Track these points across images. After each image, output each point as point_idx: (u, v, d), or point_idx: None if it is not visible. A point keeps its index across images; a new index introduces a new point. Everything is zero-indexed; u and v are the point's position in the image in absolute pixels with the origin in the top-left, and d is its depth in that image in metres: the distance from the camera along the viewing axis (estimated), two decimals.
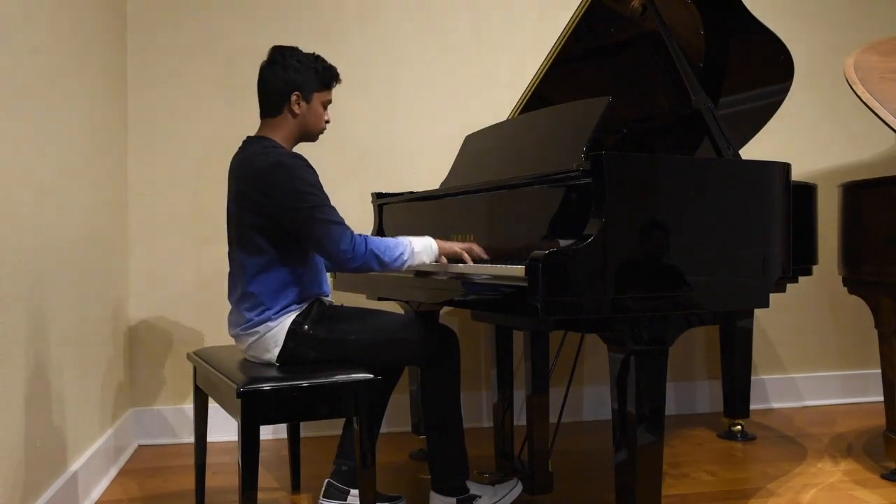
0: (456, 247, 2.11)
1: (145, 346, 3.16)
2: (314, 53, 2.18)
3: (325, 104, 2.20)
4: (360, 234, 2.01)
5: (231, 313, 2.15)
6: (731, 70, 2.59)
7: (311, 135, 2.21)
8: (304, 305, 2.09)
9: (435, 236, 2.15)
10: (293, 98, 2.13)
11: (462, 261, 2.08)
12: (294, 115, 2.15)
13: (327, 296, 2.20)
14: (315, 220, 1.97)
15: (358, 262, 2.00)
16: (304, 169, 2.01)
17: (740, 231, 1.89)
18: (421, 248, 2.08)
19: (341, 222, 2.00)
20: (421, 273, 2.19)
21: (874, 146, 3.81)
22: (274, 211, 2.00)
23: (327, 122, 2.22)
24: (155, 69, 3.17)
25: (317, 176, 2.03)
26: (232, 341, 2.17)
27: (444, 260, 2.12)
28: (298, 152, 2.10)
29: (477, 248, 2.11)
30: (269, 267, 2.05)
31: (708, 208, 1.85)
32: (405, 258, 2.05)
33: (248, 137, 2.18)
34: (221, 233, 3.17)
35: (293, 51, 2.16)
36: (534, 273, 1.64)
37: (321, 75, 2.16)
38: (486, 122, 2.77)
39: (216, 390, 2.10)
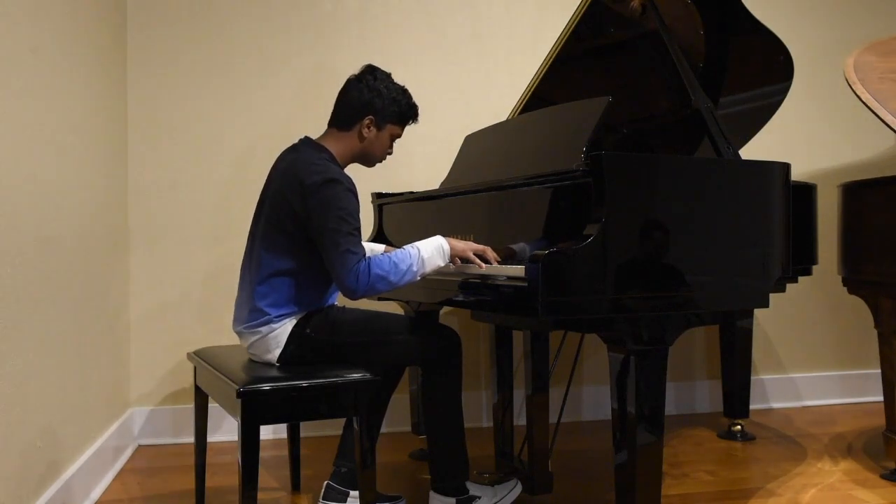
0: (469, 252, 1.99)
1: (145, 346, 3.16)
2: (403, 87, 2.18)
3: (394, 138, 2.21)
4: (365, 262, 1.95)
5: (238, 308, 2.15)
6: (731, 70, 2.60)
7: (368, 160, 2.22)
8: (309, 311, 2.09)
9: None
10: (366, 121, 2.13)
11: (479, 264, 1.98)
12: (362, 137, 2.15)
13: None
14: (336, 244, 1.95)
15: (361, 293, 1.95)
16: (349, 194, 2.00)
17: (740, 231, 1.89)
18: (431, 253, 2.00)
19: (357, 253, 1.96)
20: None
21: (874, 146, 3.81)
22: (307, 220, 2.00)
23: (389, 153, 2.23)
24: (155, 69, 3.17)
25: (358, 204, 2.02)
26: (232, 340, 2.17)
27: (458, 261, 2.02)
28: (349, 175, 2.07)
29: (490, 253, 1.99)
30: (286, 271, 2.05)
31: (708, 208, 1.85)
32: (415, 269, 1.97)
33: (307, 139, 2.17)
34: (222, 233, 3.21)
35: (385, 76, 2.17)
36: (533, 273, 1.64)
37: (402, 110, 2.17)
38: (486, 122, 2.77)
39: (216, 390, 2.10)
